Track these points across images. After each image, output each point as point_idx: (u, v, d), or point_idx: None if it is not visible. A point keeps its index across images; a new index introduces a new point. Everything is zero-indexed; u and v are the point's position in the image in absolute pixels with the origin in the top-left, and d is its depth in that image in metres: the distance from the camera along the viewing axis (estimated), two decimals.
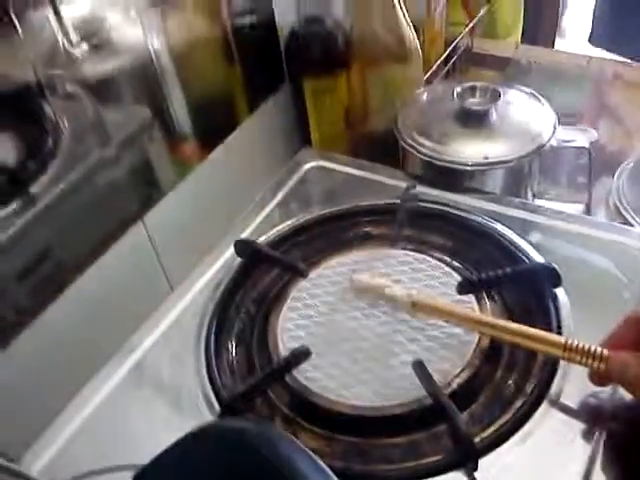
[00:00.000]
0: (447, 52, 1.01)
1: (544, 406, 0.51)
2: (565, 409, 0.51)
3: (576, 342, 0.49)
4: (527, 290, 0.60)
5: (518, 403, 0.52)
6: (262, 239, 0.69)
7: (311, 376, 0.56)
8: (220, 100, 0.74)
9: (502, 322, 0.55)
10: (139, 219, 0.64)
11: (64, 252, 0.56)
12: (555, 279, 0.58)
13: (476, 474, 0.48)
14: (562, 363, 0.53)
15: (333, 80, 0.80)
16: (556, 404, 0.51)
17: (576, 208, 0.81)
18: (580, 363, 0.49)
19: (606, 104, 1.03)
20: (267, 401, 0.56)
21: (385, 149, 0.79)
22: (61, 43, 0.51)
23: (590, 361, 0.48)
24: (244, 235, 0.70)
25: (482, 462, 0.48)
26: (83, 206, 0.57)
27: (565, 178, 0.90)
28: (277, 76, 0.82)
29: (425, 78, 0.91)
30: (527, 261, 0.62)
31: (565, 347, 0.49)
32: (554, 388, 0.52)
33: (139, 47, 0.59)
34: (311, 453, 0.38)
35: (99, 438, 0.53)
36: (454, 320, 0.57)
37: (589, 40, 1.44)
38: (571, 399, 0.51)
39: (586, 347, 0.48)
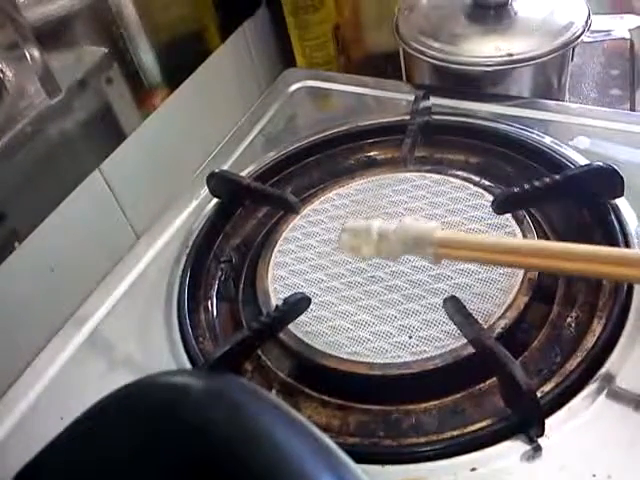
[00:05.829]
0: None
1: (620, 346, 0.39)
2: None
3: None
4: (578, 203, 0.48)
5: (587, 345, 0.40)
6: (243, 173, 0.56)
7: (312, 330, 0.43)
8: (188, 31, 0.65)
9: (565, 246, 0.39)
10: (95, 167, 0.55)
11: (11, 209, 0.48)
12: (616, 185, 0.45)
13: (541, 441, 0.35)
14: (637, 287, 0.41)
15: None
16: (636, 340, 0.39)
17: None
18: None
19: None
20: (259, 366, 0.44)
21: (386, 75, 0.68)
22: None
23: None
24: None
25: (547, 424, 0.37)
26: (32, 159, 0.49)
27: (595, 93, 0.78)
28: None
29: None
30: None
31: None
32: (631, 321, 0.40)
33: None
34: (311, 429, 0.25)
35: (52, 415, 0.42)
36: (496, 260, 0.42)
37: None
38: None
39: None
